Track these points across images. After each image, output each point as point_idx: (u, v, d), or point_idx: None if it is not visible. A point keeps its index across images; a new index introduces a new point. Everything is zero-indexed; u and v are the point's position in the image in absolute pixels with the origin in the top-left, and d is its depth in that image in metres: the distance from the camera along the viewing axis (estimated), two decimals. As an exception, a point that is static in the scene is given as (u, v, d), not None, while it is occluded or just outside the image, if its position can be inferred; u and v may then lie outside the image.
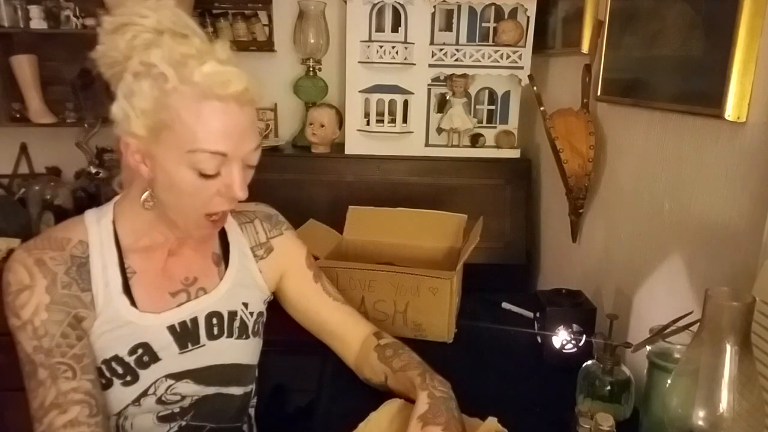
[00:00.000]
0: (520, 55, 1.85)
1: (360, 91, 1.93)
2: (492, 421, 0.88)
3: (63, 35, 2.11)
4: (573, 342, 1.17)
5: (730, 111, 0.87)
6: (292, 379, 1.37)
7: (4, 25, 2.12)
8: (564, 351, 1.17)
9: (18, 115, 2.25)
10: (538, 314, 1.26)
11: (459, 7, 1.87)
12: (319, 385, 1.20)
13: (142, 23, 0.76)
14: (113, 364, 0.85)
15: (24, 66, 2.18)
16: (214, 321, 0.93)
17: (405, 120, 1.94)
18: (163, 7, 0.78)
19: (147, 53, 0.75)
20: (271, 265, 1.02)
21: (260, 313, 1.01)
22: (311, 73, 2.19)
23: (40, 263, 0.81)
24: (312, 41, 2.14)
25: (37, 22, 2.12)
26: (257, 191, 1.83)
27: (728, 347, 0.65)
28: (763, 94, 0.83)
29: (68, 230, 0.87)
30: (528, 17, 1.84)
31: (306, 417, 1.28)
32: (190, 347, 0.90)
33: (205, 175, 0.78)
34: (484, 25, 1.90)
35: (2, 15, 2.11)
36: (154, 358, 0.87)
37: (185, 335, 0.90)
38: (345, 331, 1.05)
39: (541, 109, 1.45)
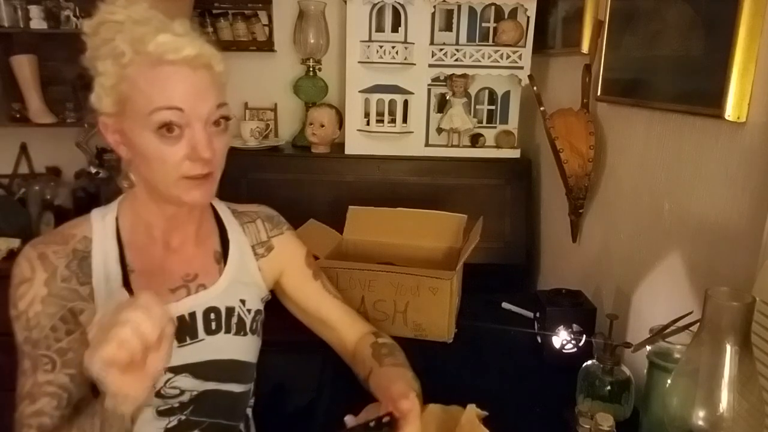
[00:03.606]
0: (520, 55, 1.85)
1: (360, 91, 1.93)
2: (472, 408, 0.89)
3: (63, 35, 2.11)
4: (573, 342, 1.17)
5: (730, 111, 0.87)
6: (292, 379, 1.37)
7: (4, 25, 2.12)
8: (564, 351, 1.17)
9: (18, 115, 2.25)
10: (538, 314, 1.26)
11: (459, 7, 1.88)
12: (319, 385, 1.20)
13: (113, 19, 0.81)
14: None
15: (24, 66, 2.18)
16: (212, 316, 0.94)
17: (405, 120, 1.94)
18: (135, 3, 0.82)
19: (113, 40, 0.81)
20: (271, 264, 1.03)
21: (258, 311, 1.01)
22: (311, 73, 2.19)
23: (42, 257, 0.85)
24: (312, 41, 2.14)
25: (37, 22, 2.12)
26: (257, 191, 1.83)
27: (728, 347, 0.65)
28: (763, 94, 0.83)
29: (74, 227, 0.90)
30: (528, 17, 1.84)
31: (306, 417, 1.28)
32: (188, 341, 0.91)
33: (168, 137, 0.80)
34: (484, 25, 1.90)
35: (2, 15, 2.11)
36: None
37: (183, 329, 0.91)
38: (344, 326, 1.06)
39: (541, 109, 1.45)
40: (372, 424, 0.79)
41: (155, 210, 0.91)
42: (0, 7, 2.10)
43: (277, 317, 1.07)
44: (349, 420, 0.84)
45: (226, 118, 0.86)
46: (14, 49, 2.18)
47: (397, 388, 0.85)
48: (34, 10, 2.11)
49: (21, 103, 2.24)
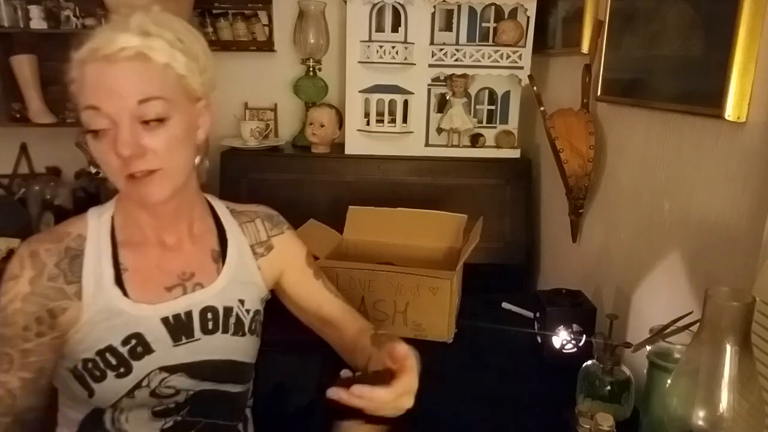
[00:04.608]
0: (520, 55, 1.85)
1: (360, 91, 1.93)
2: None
3: (63, 35, 2.11)
4: (573, 342, 1.17)
5: (730, 111, 0.87)
6: (292, 379, 1.37)
7: (4, 25, 2.12)
8: (564, 351, 1.17)
9: (18, 115, 2.26)
10: (538, 314, 1.26)
11: (459, 7, 1.88)
12: (319, 385, 1.20)
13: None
14: (107, 355, 0.86)
15: (24, 66, 2.18)
16: (209, 316, 0.93)
17: (405, 120, 1.94)
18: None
19: None
20: (271, 263, 1.03)
21: (257, 312, 1.01)
22: (311, 73, 2.19)
23: (33, 255, 0.85)
24: (312, 41, 2.14)
25: (37, 22, 2.12)
26: (257, 191, 1.83)
27: (728, 347, 0.65)
28: (763, 94, 0.83)
29: (71, 225, 0.91)
30: (528, 17, 1.84)
31: (306, 417, 1.28)
32: (184, 340, 0.91)
33: (94, 133, 0.80)
34: (484, 25, 1.90)
35: (2, 15, 2.11)
36: (148, 349, 0.88)
37: (179, 328, 0.91)
38: (345, 323, 1.06)
39: (541, 109, 1.45)
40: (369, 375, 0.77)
41: (139, 208, 0.90)
42: (0, 7, 2.10)
43: (277, 317, 1.07)
44: (345, 374, 0.83)
45: (159, 120, 0.80)
46: (14, 49, 2.18)
47: (395, 344, 0.83)
48: (34, 10, 2.11)
49: (21, 103, 2.24)
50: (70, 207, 2.21)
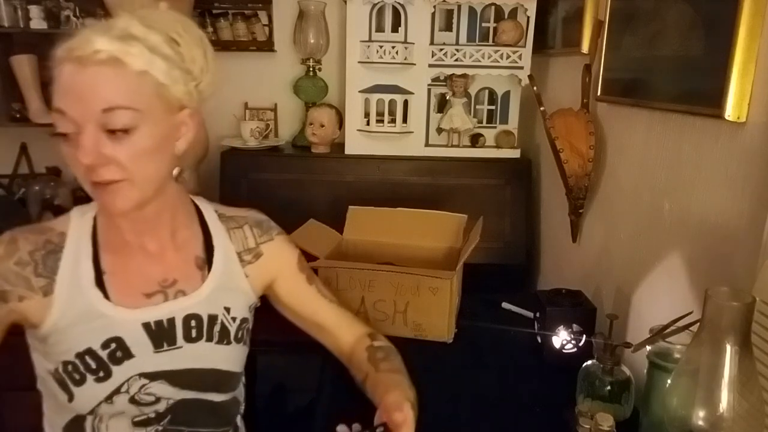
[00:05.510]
0: (520, 55, 1.85)
1: (360, 91, 1.93)
2: None
3: (63, 35, 2.10)
4: (573, 342, 1.17)
5: (730, 111, 0.87)
6: (292, 379, 1.37)
7: (4, 25, 2.12)
8: (564, 351, 1.17)
9: (18, 115, 2.25)
10: (538, 314, 1.26)
11: (459, 7, 1.88)
12: (319, 385, 1.20)
13: None
14: (87, 358, 0.84)
15: (24, 66, 2.18)
16: (193, 323, 0.91)
17: (405, 120, 1.94)
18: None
19: None
20: (260, 271, 1.00)
21: (244, 320, 0.98)
22: (311, 73, 2.19)
23: (12, 240, 0.85)
24: (312, 41, 2.14)
25: (37, 22, 2.12)
26: (257, 191, 1.83)
27: (728, 347, 0.65)
28: (763, 94, 0.83)
29: (56, 222, 0.91)
30: (528, 17, 1.84)
31: (306, 417, 1.28)
32: (165, 347, 0.89)
33: (63, 135, 0.78)
34: (484, 25, 1.90)
35: (2, 15, 2.11)
36: (128, 354, 0.86)
37: (161, 334, 0.89)
38: (340, 329, 1.05)
39: (541, 109, 1.45)
40: None
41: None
42: (0, 7, 2.10)
43: (277, 317, 1.06)
44: (342, 430, 0.83)
45: (125, 130, 0.77)
46: (14, 49, 2.18)
47: (392, 398, 0.84)
48: (34, 10, 2.11)
49: (21, 103, 2.24)
50: (70, 207, 2.18)
